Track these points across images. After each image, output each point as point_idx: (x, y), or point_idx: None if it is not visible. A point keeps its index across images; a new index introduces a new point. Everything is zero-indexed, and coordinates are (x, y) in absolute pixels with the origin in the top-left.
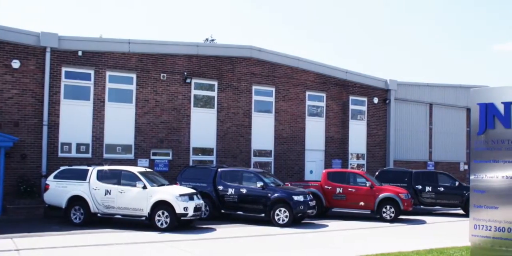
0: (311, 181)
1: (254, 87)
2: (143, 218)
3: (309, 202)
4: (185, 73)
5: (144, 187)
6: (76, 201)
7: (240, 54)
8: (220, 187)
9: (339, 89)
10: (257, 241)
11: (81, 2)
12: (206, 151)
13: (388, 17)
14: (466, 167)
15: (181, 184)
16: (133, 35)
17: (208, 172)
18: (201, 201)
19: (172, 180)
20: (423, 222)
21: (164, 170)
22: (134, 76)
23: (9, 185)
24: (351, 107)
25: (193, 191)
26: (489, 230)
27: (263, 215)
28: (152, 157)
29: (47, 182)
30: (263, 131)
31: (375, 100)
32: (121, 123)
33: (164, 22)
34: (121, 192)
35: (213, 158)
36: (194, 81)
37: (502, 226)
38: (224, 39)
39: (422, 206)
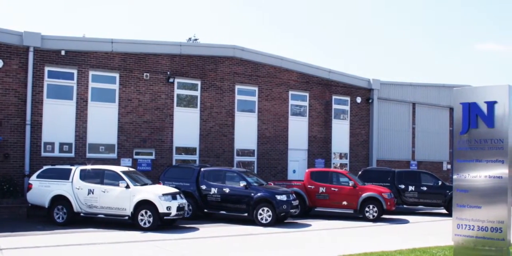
0: (294, 181)
1: (237, 87)
2: (126, 217)
3: (292, 202)
4: (168, 73)
5: (127, 187)
6: (59, 200)
7: (223, 54)
8: (203, 187)
9: (322, 88)
10: (240, 240)
11: (64, 1)
12: (189, 150)
13: (371, 16)
14: (449, 166)
15: (164, 184)
16: (116, 34)
17: (191, 171)
18: (184, 201)
19: (155, 179)
20: (406, 221)
21: (147, 170)
22: (117, 75)
23: None
24: (334, 106)
25: (176, 190)
26: (472, 229)
27: (246, 214)
28: (135, 157)
29: (30, 181)
30: (246, 131)
31: (358, 99)
32: (104, 123)
33: (147, 21)
34: (104, 192)
35: (196, 157)
36: (177, 80)
37: (485, 226)
38: (207, 38)
39: (405, 206)
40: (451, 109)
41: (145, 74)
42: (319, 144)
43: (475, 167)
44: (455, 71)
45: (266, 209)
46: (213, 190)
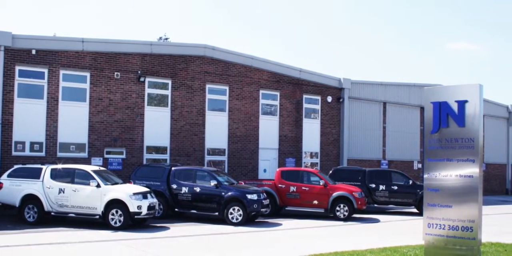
0: (265, 180)
1: (208, 86)
2: (97, 216)
3: (263, 201)
4: (139, 72)
5: (98, 186)
6: (30, 199)
7: (194, 53)
8: (174, 186)
9: (293, 87)
10: (211, 239)
11: (35, 1)
12: (160, 149)
13: (342, 15)
14: (420, 165)
15: (134, 183)
16: (87, 34)
17: (161, 170)
18: (155, 200)
19: (126, 178)
20: (377, 220)
21: (118, 169)
22: (87, 74)
23: None
24: (305, 105)
25: (147, 189)
26: (443, 228)
27: (217, 213)
28: (106, 156)
29: (0, 180)
30: (217, 130)
31: (329, 98)
32: (75, 122)
33: (118, 21)
34: (75, 191)
35: (167, 156)
36: (147, 79)
37: (455, 225)
38: (178, 37)
39: (375, 205)
40: (422, 109)
41: (115, 73)
42: (290, 143)
43: (446, 166)
44: (426, 70)
45: (237, 208)
46: (184, 189)
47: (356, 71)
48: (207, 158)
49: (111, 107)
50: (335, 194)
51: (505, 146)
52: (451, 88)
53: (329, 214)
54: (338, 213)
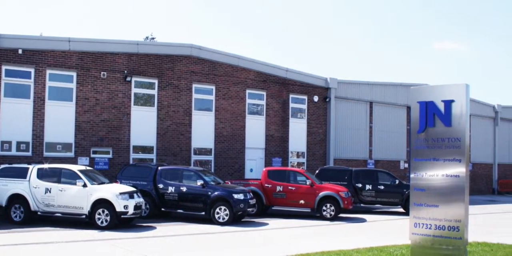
0: (252, 180)
1: (194, 85)
2: (83, 216)
3: (250, 201)
4: (125, 72)
5: (84, 185)
6: (16, 199)
7: (180, 53)
8: (160, 186)
9: (280, 87)
10: (197, 239)
11: (22, 0)
12: (146, 149)
13: (328, 15)
14: (406, 165)
15: (121, 183)
16: (74, 33)
17: (148, 170)
18: (142, 200)
19: (113, 178)
20: (363, 220)
21: (105, 168)
22: (74, 74)
23: None
24: (291, 105)
25: (133, 189)
26: (430, 228)
27: (203, 213)
28: (92, 156)
29: None
30: (203, 130)
31: (315, 98)
32: (61, 122)
33: (104, 20)
34: (61, 191)
35: (153, 156)
36: (134, 79)
37: (442, 225)
38: (164, 37)
39: (362, 205)
40: (409, 108)
41: (102, 73)
42: (276, 143)
43: (433, 166)
44: (413, 70)
45: (223, 208)
46: (171, 189)
47: (343, 71)
48: (194, 157)
49: (97, 106)
50: (321, 193)
51: (492, 146)
52: (438, 87)
53: (315, 214)
54: (324, 213)
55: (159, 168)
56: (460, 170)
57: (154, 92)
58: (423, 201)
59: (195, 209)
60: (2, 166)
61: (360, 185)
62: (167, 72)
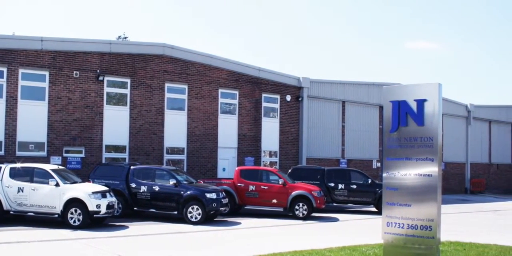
0: (224, 179)
1: (166, 85)
2: (56, 215)
3: (222, 200)
4: (98, 71)
5: (57, 185)
6: None
7: (153, 52)
8: (133, 185)
9: (252, 86)
10: (169, 238)
11: None
12: (118, 148)
13: (301, 15)
14: (379, 164)
15: (93, 182)
16: (46, 33)
17: (120, 169)
18: (114, 199)
19: (85, 177)
20: (335, 219)
21: (77, 168)
22: (46, 73)
23: None
24: (264, 104)
25: (106, 188)
26: (402, 227)
27: (176, 212)
28: (65, 155)
29: None
30: (176, 129)
31: (288, 97)
32: (34, 121)
33: (77, 20)
34: (34, 190)
35: (125, 155)
36: (106, 78)
37: (414, 224)
38: (137, 36)
39: (334, 204)
40: (381, 107)
41: (74, 72)
42: (249, 142)
43: (405, 165)
44: (385, 69)
45: (195, 207)
46: (143, 188)
47: (315, 70)
48: (166, 157)
49: (70, 106)
50: (294, 193)
51: (464, 145)
52: (410, 87)
53: (288, 213)
54: (297, 212)
55: (132, 167)
56: (432, 169)
57: (127, 91)
58: (395, 200)
59: (167, 208)
60: None
61: (332, 185)
62: (139, 72)
